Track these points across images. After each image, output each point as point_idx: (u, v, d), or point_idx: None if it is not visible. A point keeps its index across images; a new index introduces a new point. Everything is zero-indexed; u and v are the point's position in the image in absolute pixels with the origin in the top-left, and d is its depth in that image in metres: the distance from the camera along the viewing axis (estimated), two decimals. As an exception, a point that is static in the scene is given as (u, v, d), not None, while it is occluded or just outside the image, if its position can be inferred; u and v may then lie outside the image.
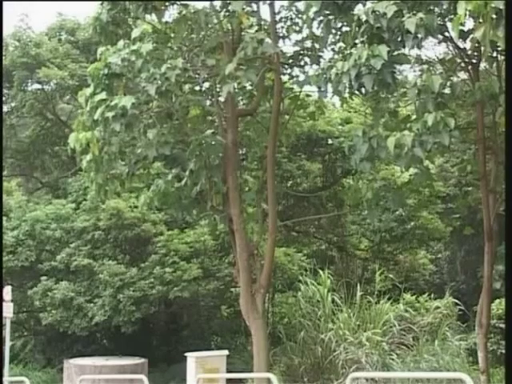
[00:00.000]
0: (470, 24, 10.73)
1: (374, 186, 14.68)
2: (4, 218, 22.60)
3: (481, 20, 6.60)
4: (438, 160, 23.21)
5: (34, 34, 26.56)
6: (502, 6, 5.79)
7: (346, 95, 11.79)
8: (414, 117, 11.87)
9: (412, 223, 24.81)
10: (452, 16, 10.43)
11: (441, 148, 10.83)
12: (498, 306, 19.92)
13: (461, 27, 8.36)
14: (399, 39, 10.35)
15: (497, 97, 11.50)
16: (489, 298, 14.05)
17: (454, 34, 11.03)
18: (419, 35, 10.17)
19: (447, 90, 11.19)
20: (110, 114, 13.47)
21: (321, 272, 21.01)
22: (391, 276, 23.28)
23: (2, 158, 23.86)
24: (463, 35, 11.65)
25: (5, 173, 27.44)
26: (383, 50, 10.15)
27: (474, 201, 21.07)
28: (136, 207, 22.37)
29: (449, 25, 11.38)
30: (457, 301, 22.36)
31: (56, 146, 28.09)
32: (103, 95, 13.74)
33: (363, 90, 10.85)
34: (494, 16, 5.93)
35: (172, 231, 22.77)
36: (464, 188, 24.02)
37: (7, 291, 18.88)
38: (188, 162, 14.68)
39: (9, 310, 18.83)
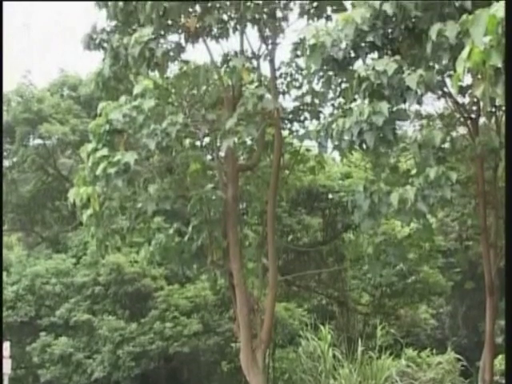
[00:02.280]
0: (468, 79, 10.84)
1: (374, 240, 14.68)
2: (4, 273, 22.54)
3: (479, 76, 6.65)
4: (439, 214, 23.22)
5: (37, 90, 26.81)
6: (500, 64, 5.85)
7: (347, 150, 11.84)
8: (414, 171, 11.91)
9: (413, 278, 24.69)
10: (451, 72, 10.54)
11: (443, 202, 10.84)
12: (501, 361, 19.74)
13: (459, 83, 8.45)
14: (400, 95, 10.44)
15: (497, 151, 11.57)
16: (491, 353, 13.95)
17: (453, 91, 11.14)
18: (419, 91, 10.27)
19: (447, 145, 11.25)
20: (112, 170, 13.50)
21: (321, 327, 20.89)
22: (392, 331, 23.13)
23: (2, 212, 23.89)
24: (462, 90, 11.76)
25: (5, 227, 27.42)
26: (384, 106, 10.24)
27: (474, 255, 21.05)
28: (136, 262, 22.32)
29: (448, 80, 11.49)
30: (459, 356, 22.17)
31: (57, 200, 28.13)
32: (105, 151, 13.80)
33: (364, 146, 10.91)
34: (493, 73, 6.00)
35: (172, 286, 22.69)
36: (465, 242, 23.99)
37: (6, 347, 18.73)
38: (188, 217, 14.69)
39: (7, 366, 18.66)
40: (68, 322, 22.31)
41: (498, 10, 5.73)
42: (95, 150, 14.02)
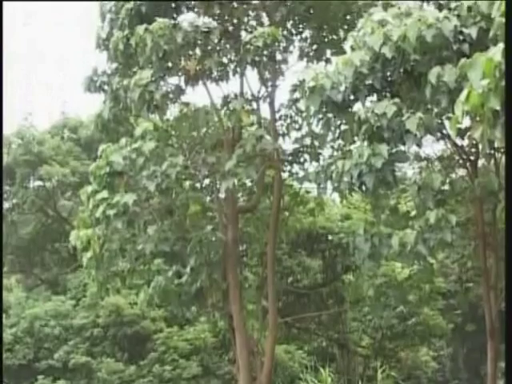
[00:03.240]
0: (467, 121, 10.89)
1: (374, 282, 14.66)
2: (3, 315, 22.42)
3: (478, 119, 6.69)
4: (439, 256, 23.16)
5: (38, 132, 26.92)
6: (498, 107, 5.89)
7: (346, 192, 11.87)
8: (413, 213, 11.92)
9: (413, 320, 24.55)
10: (449, 114, 10.60)
11: (443, 245, 10.85)
12: (503, 404, 19.57)
13: (458, 125, 8.51)
14: (399, 138, 10.50)
15: (496, 193, 11.57)
16: (493, 396, 13.83)
17: (451, 133, 11.19)
18: (419, 134, 10.32)
19: (447, 187, 11.27)
20: (111, 212, 13.52)
21: (322, 369, 20.71)
22: (393, 374, 22.92)
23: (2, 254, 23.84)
24: (461, 133, 11.79)
25: (4, 269, 27.33)
26: (384, 148, 10.28)
27: (475, 297, 20.97)
28: (135, 304, 22.22)
29: (446, 123, 11.54)
30: (461, 399, 21.99)
31: (56, 242, 28.09)
32: (105, 193, 13.83)
33: (363, 188, 10.93)
34: (491, 116, 6.04)
35: (171, 328, 22.57)
36: (465, 284, 23.90)
37: (4, 390, 18.57)
38: (188, 259, 14.66)
39: (5, 409, 18.49)
40: (66, 364, 22.15)
41: (495, 53, 5.78)
42: (95, 192, 14.05)
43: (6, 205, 26.87)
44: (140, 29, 13.81)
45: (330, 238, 23.50)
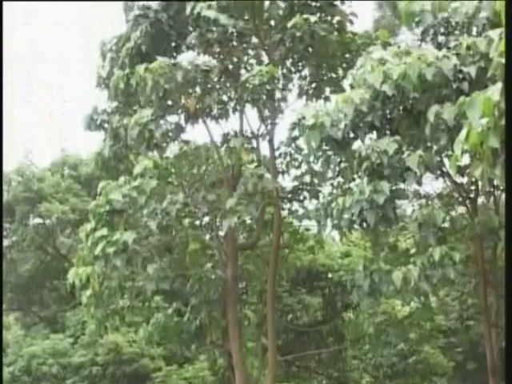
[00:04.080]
0: (466, 159, 10.93)
1: (374, 320, 14.60)
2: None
3: (477, 157, 6.72)
4: (439, 293, 23.10)
5: (37, 170, 26.98)
6: (497, 145, 5.92)
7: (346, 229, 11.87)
8: (413, 250, 11.92)
9: (414, 358, 24.39)
10: (449, 152, 10.64)
11: (445, 282, 10.84)
12: None
13: (458, 163, 8.54)
14: (399, 175, 10.53)
15: (496, 231, 11.58)
16: None
17: (451, 171, 11.22)
18: (419, 172, 10.36)
19: (447, 224, 11.28)
20: (110, 250, 13.51)
21: (322, 409, 20.56)
22: (395, 413, 22.75)
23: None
24: (460, 171, 11.84)
25: (3, 307, 27.23)
26: (385, 185, 10.32)
27: (476, 335, 20.86)
28: (135, 342, 22.11)
29: (446, 161, 11.59)
30: None
31: (55, 280, 27.99)
32: (104, 231, 13.82)
33: (364, 224, 10.94)
34: (491, 155, 6.07)
35: (171, 366, 22.43)
36: (465, 322, 23.80)
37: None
38: (188, 297, 14.63)
39: None
40: (64, 404, 21.99)
41: (494, 92, 5.82)
42: (94, 229, 14.05)
43: (5, 242, 26.83)
44: (140, 68, 13.92)
45: (329, 275, 23.44)
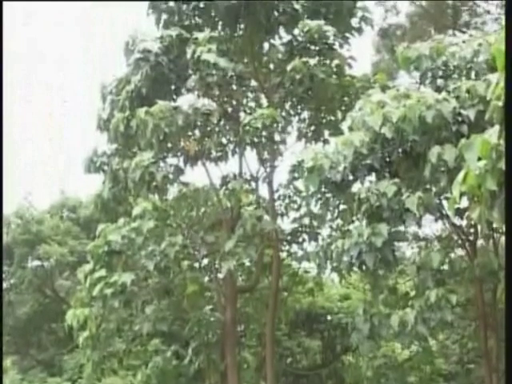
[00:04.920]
0: (466, 201, 10.95)
1: (374, 363, 14.50)
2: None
3: (475, 199, 6.73)
4: (439, 336, 22.93)
5: (37, 212, 27.00)
6: (495, 187, 5.93)
7: (346, 272, 11.84)
8: (413, 293, 11.87)
9: (414, 402, 24.18)
10: (448, 194, 10.65)
11: (443, 325, 10.78)
12: None
13: (457, 205, 8.56)
14: (399, 217, 10.54)
15: (496, 274, 11.55)
16: None
17: (450, 213, 11.24)
18: (418, 213, 10.37)
19: (446, 267, 11.26)
20: (108, 291, 13.49)
21: None
22: None
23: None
24: (459, 213, 11.84)
25: (0, 350, 27.05)
26: (384, 228, 10.33)
27: (476, 379, 20.67)
28: (132, 385, 21.90)
29: (445, 203, 11.60)
30: None
31: (53, 322, 27.85)
32: (102, 272, 13.82)
33: (363, 267, 10.92)
34: (489, 197, 6.09)
35: (169, 410, 22.17)
36: (466, 365, 23.59)
37: None
38: (186, 339, 14.55)
39: None
40: None
41: (492, 135, 5.85)
42: (93, 271, 14.05)
43: (3, 285, 26.75)
44: (141, 111, 14.01)
45: (329, 318, 23.34)
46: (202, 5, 15.14)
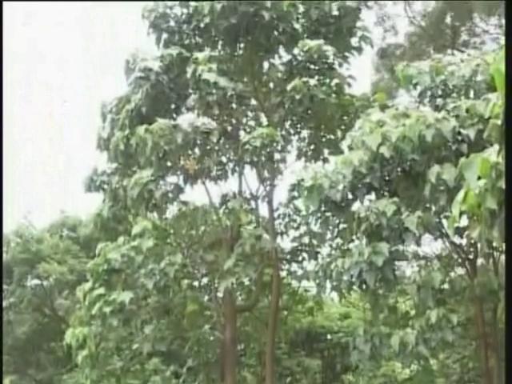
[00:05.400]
0: (465, 220, 10.95)
1: (374, 383, 14.43)
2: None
3: (475, 218, 6.73)
4: (440, 356, 22.85)
5: (36, 231, 26.98)
6: (495, 206, 5.94)
7: (345, 291, 11.82)
8: (413, 312, 11.85)
9: (415, 422, 24.05)
10: (448, 213, 10.65)
11: (444, 344, 10.75)
12: None
13: (456, 224, 8.56)
14: (398, 236, 10.54)
15: (496, 293, 11.52)
16: None
17: (449, 232, 11.23)
18: (418, 232, 10.36)
19: (446, 286, 11.24)
20: (107, 309, 13.47)
21: None
22: None
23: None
24: (459, 232, 11.84)
25: (-1, 369, 26.95)
26: (384, 247, 10.33)
27: (477, 399, 20.58)
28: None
29: (444, 222, 11.60)
30: None
31: (52, 342, 27.73)
32: (101, 290, 13.81)
33: (363, 286, 10.91)
34: (489, 216, 6.09)
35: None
36: (467, 385, 23.50)
37: None
38: (186, 359, 14.50)
39: None
40: None
41: (491, 154, 5.86)
42: (92, 289, 14.04)
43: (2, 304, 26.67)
44: (140, 129, 14.04)
45: (329, 337, 23.27)
46: (202, 24, 15.19)
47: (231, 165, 15.49)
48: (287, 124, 15.58)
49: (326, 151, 16.00)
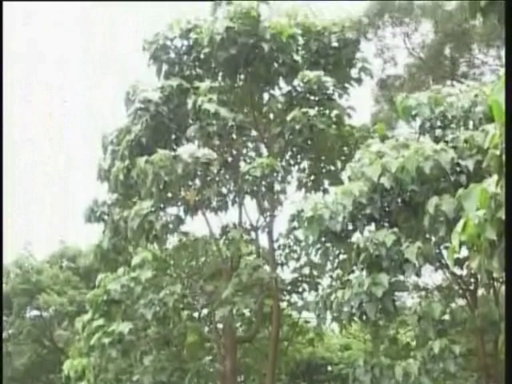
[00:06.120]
0: (465, 250, 10.92)
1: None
2: None
3: (475, 249, 6.72)
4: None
5: (36, 262, 26.94)
6: (494, 237, 5.93)
7: (346, 322, 11.78)
8: (414, 343, 11.80)
9: None
10: (448, 244, 10.63)
11: (446, 375, 10.70)
12: None
13: (456, 255, 8.54)
14: (398, 267, 10.52)
15: (497, 324, 11.48)
16: None
17: (449, 263, 11.22)
18: (418, 263, 10.35)
19: (447, 317, 11.20)
20: (106, 340, 13.43)
21: None
22: None
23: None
24: (459, 262, 11.82)
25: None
26: (384, 278, 10.31)
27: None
28: None
29: (444, 252, 11.58)
30: None
31: (51, 373, 27.57)
32: (101, 321, 13.77)
33: (364, 317, 10.87)
34: (488, 246, 6.08)
35: None
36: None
37: None
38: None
39: None
40: None
41: (490, 184, 5.86)
42: (91, 320, 13.99)
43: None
44: (141, 160, 14.07)
45: (329, 368, 23.14)
46: (202, 56, 15.29)
47: (231, 195, 15.51)
48: (287, 154, 15.62)
49: (326, 182, 16.02)
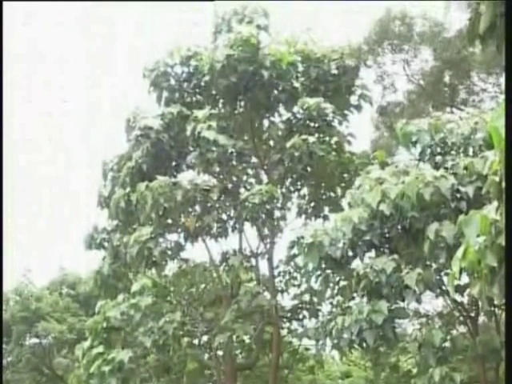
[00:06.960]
0: (466, 277, 10.89)
1: None
2: None
3: (475, 275, 6.70)
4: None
5: (36, 289, 26.88)
6: (495, 263, 5.93)
7: (346, 349, 11.73)
8: (415, 370, 11.74)
9: None
10: (448, 270, 10.61)
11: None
12: None
13: (457, 282, 8.52)
14: (398, 294, 10.49)
15: (498, 351, 11.42)
16: None
17: (450, 290, 11.19)
18: (418, 290, 10.32)
19: (447, 344, 11.15)
20: (106, 368, 13.36)
21: None
22: None
23: None
24: (460, 289, 11.79)
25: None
26: (384, 305, 10.28)
27: None
28: None
29: (445, 279, 11.55)
30: None
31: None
32: (100, 349, 13.70)
33: (364, 344, 10.82)
34: (489, 273, 6.07)
35: None
36: None
37: None
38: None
39: None
40: None
41: (490, 211, 5.87)
42: (91, 347, 13.92)
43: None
44: (141, 186, 14.08)
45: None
46: (202, 83, 15.35)
47: (231, 222, 15.49)
48: (287, 181, 15.62)
49: (326, 208, 16.01)
